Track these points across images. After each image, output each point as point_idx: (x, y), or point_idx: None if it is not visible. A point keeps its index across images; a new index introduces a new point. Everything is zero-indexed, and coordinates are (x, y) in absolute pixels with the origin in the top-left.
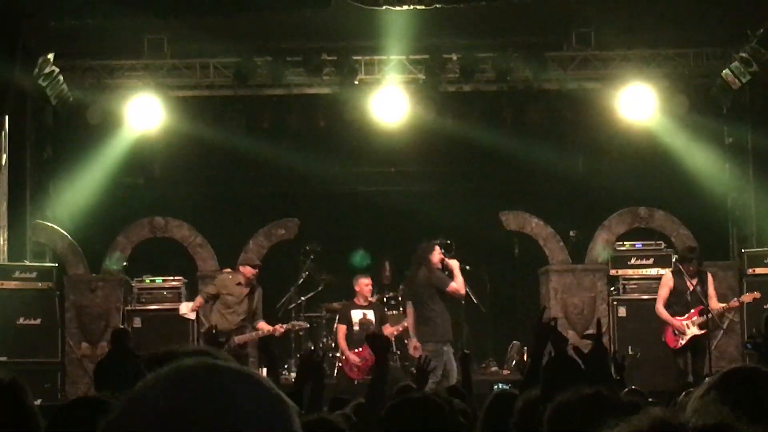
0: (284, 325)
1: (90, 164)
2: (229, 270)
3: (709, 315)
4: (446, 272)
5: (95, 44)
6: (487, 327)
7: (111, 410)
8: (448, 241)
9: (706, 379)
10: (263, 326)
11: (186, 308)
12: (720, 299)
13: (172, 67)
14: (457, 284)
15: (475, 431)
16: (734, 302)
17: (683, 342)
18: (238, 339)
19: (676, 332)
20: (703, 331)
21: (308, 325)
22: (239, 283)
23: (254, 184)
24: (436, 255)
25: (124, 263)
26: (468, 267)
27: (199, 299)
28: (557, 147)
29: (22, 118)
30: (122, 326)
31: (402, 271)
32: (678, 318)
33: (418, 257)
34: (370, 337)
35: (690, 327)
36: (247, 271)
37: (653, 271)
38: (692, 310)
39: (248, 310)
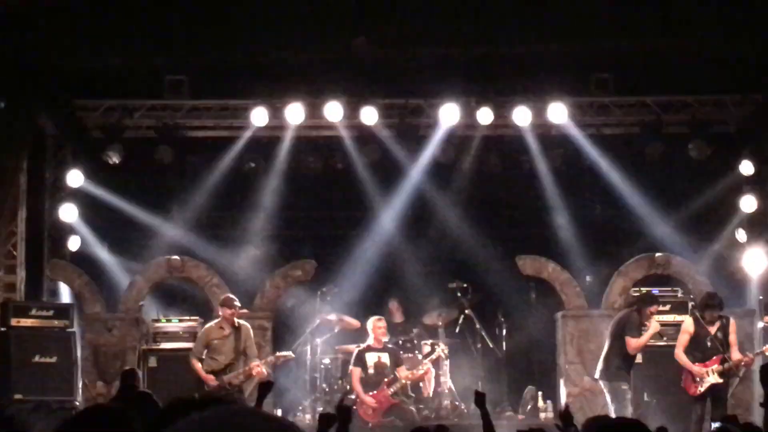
0: (266, 360)
1: (108, 203)
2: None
3: (728, 364)
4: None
5: (115, 84)
6: (502, 371)
7: None
8: (465, 285)
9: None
10: (253, 366)
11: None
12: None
13: (191, 107)
14: (637, 342)
15: None
16: (748, 357)
17: (702, 389)
18: (226, 379)
19: (696, 379)
20: (722, 380)
21: (293, 356)
22: (221, 327)
23: (271, 225)
24: (651, 309)
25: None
26: (665, 339)
27: (196, 364)
28: (574, 192)
29: (41, 157)
30: (129, 367)
31: (414, 315)
32: (698, 364)
33: (636, 299)
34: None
35: (710, 374)
36: (225, 312)
37: (670, 318)
38: (713, 358)
39: (235, 348)
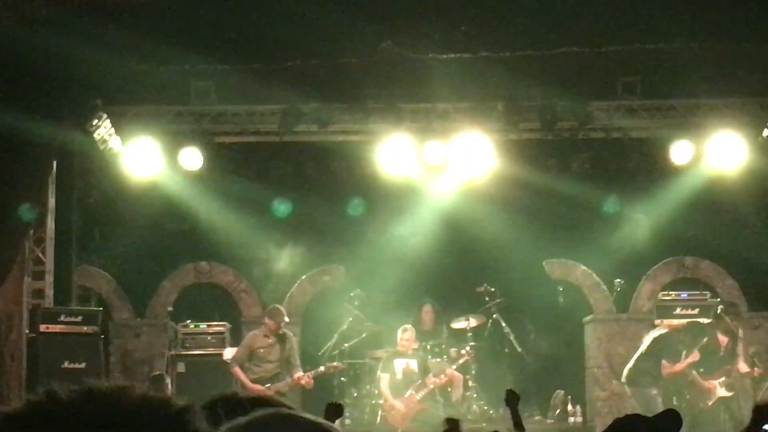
0: (312, 373)
1: (136, 209)
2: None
3: (734, 376)
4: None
5: (142, 90)
6: (530, 376)
7: None
8: (492, 289)
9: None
10: (299, 377)
11: (230, 354)
12: (766, 352)
13: (218, 113)
14: (671, 369)
15: None
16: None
17: (710, 404)
18: (273, 387)
19: (705, 393)
20: (731, 393)
21: (343, 366)
22: (266, 335)
23: (299, 230)
24: (701, 340)
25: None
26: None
27: (239, 372)
28: (602, 196)
29: (69, 162)
30: (158, 372)
31: (442, 319)
32: (708, 379)
33: (689, 325)
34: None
35: (718, 388)
36: (270, 323)
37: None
38: (721, 370)
39: (280, 357)
